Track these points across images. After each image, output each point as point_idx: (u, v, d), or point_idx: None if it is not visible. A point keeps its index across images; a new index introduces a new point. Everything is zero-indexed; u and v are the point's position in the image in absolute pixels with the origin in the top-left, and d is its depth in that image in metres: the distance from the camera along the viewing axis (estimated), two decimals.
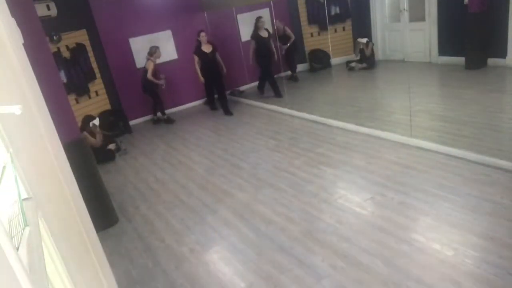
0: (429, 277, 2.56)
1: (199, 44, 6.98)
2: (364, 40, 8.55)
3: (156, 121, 7.65)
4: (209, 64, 6.99)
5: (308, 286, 2.67)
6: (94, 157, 4.09)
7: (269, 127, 6.22)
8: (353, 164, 4.34)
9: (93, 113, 6.90)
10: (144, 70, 7.08)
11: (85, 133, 5.69)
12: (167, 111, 8.16)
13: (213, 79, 7.11)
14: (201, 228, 3.67)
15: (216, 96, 7.53)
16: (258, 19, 7.39)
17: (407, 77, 6.16)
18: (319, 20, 9.13)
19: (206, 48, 6.96)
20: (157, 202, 4.41)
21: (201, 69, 7.05)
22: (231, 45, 8.50)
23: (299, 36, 9.27)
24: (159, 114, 7.62)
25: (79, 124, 6.00)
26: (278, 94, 7.51)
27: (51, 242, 1.43)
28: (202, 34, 6.93)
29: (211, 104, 7.74)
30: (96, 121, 5.95)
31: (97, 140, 5.89)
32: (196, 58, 7.01)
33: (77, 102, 6.75)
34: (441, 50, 7.59)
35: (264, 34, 7.42)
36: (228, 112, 7.22)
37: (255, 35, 7.44)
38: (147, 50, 7.16)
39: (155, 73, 7.06)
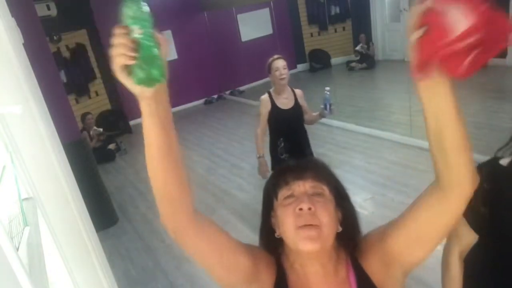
0: (429, 277, 2.56)
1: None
2: (365, 46, 8.54)
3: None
4: (289, 133, 2.97)
5: None
6: (94, 157, 4.09)
7: None
8: (353, 164, 4.34)
9: (93, 113, 6.91)
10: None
11: (85, 132, 5.70)
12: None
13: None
14: None
15: None
16: None
17: (407, 77, 6.15)
18: (319, 20, 9.14)
19: (284, 101, 2.93)
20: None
21: (272, 146, 3.06)
22: (231, 45, 8.51)
23: (299, 36, 9.28)
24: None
25: (80, 124, 6.02)
26: None
27: (51, 242, 1.43)
28: (279, 64, 2.81)
29: None
30: (96, 130, 6.00)
31: (92, 143, 5.94)
32: (261, 125, 2.98)
33: (77, 102, 6.75)
34: None
35: None
36: None
37: None
38: None
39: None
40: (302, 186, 0.82)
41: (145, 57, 0.58)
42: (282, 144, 2.97)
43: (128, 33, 0.58)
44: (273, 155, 3.08)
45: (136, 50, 0.58)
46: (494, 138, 4.31)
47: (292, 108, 2.94)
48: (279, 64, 2.82)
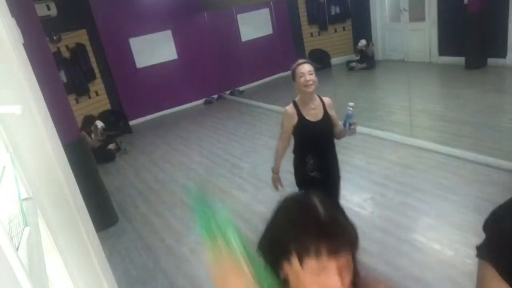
0: (429, 277, 2.56)
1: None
2: (366, 44, 8.53)
3: None
4: (319, 149, 2.59)
5: None
6: (94, 157, 4.09)
7: (269, 127, 6.22)
8: (353, 164, 4.33)
9: (93, 113, 6.91)
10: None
11: (83, 132, 5.71)
12: (166, 111, 8.14)
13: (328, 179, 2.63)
14: None
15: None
16: None
17: (407, 77, 6.16)
18: (319, 20, 9.14)
19: (312, 112, 2.56)
20: (157, 202, 4.40)
21: (298, 163, 2.64)
22: (231, 45, 8.51)
23: (299, 36, 9.28)
24: None
25: (79, 124, 6.03)
26: None
27: (51, 242, 1.43)
28: (304, 69, 2.47)
29: None
30: (99, 123, 5.98)
31: (93, 140, 5.92)
32: (283, 138, 2.66)
33: (77, 102, 6.75)
34: (441, 50, 7.58)
35: None
36: None
37: None
38: (147, 49, 7.12)
39: None
40: (335, 263, 0.77)
41: (254, 268, 0.54)
42: (312, 161, 2.54)
43: (224, 247, 0.53)
44: (299, 173, 2.62)
45: (247, 265, 0.54)
46: (494, 138, 4.32)
47: (322, 120, 2.53)
48: (304, 69, 2.45)
